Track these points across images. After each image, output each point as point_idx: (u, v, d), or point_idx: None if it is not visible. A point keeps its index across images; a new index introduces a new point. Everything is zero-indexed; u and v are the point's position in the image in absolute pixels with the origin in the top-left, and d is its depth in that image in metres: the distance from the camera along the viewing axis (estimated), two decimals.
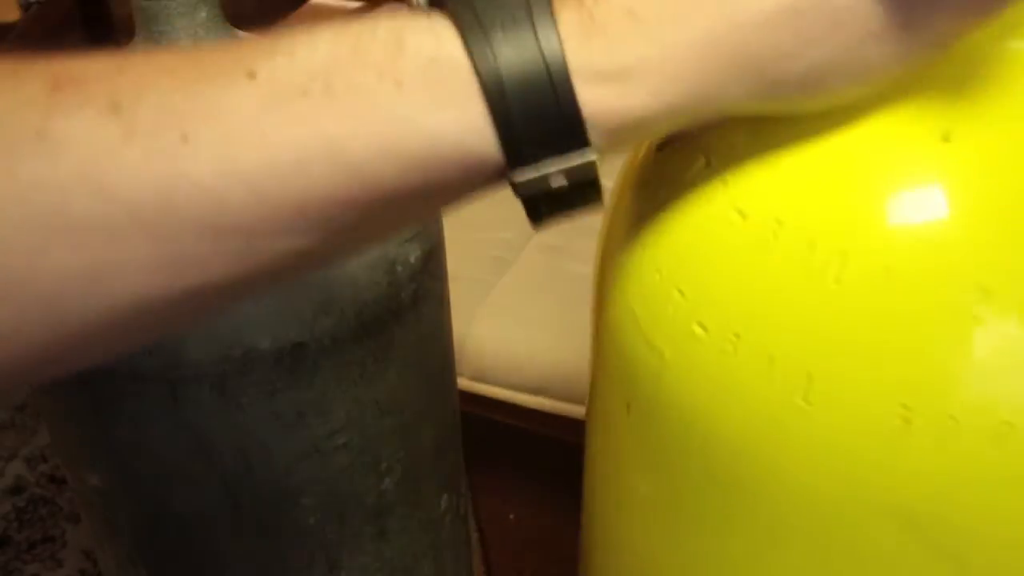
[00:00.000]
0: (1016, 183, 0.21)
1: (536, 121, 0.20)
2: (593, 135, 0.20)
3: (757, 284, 0.23)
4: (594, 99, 0.20)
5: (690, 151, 0.25)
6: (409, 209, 0.23)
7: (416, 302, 0.41)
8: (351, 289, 0.38)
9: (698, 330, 0.24)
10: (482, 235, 0.82)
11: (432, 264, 0.42)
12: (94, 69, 0.21)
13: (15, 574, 0.99)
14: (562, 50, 0.20)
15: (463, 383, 0.72)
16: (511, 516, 0.78)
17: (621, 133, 0.21)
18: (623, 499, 0.31)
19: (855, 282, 0.22)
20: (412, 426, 0.43)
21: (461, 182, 0.21)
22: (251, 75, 0.20)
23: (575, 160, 0.20)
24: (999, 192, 0.21)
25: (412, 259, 0.40)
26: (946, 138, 0.21)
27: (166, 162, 0.20)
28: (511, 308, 0.75)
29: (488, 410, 0.74)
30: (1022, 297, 0.21)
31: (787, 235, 0.22)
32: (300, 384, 0.38)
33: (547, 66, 0.20)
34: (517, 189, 0.21)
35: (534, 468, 0.77)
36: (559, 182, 0.20)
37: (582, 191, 0.21)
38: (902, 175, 0.22)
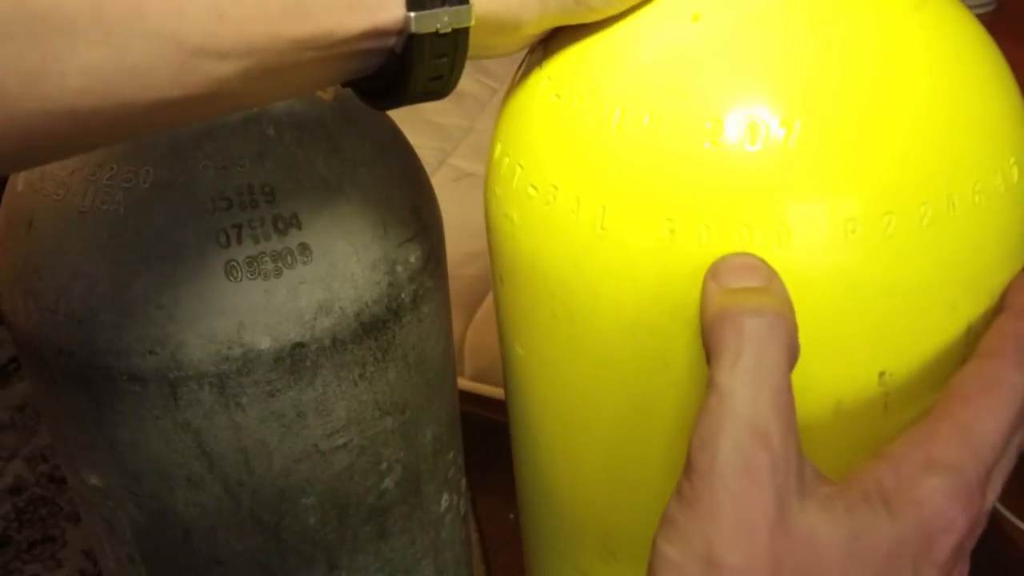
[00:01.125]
0: (747, 49, 0.28)
1: None
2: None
3: (565, 144, 0.30)
4: None
5: (531, 66, 0.33)
6: (319, 54, 0.26)
7: (416, 302, 0.41)
8: (351, 289, 0.38)
9: (531, 191, 0.31)
10: (482, 235, 0.82)
11: (432, 264, 0.42)
12: None
13: (15, 574, 0.99)
14: None
15: (463, 383, 0.72)
16: (511, 516, 0.78)
17: (488, 16, 0.27)
18: (512, 375, 0.37)
19: (628, 128, 0.28)
20: (412, 426, 0.43)
21: (368, 22, 0.25)
22: None
23: (458, 8, 0.26)
24: (737, 59, 0.28)
25: (412, 259, 0.40)
26: (696, 18, 0.28)
27: None
28: None
29: (488, 410, 0.74)
30: (744, 120, 0.27)
31: (585, 104, 0.29)
32: (300, 384, 0.38)
33: None
34: (412, 27, 0.25)
35: None
36: (445, 24, 0.26)
37: (456, 41, 0.27)
38: (658, 48, 0.29)
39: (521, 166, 0.31)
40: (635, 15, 0.30)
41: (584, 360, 0.32)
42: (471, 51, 0.29)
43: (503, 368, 0.38)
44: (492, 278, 0.36)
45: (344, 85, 0.29)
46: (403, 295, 0.40)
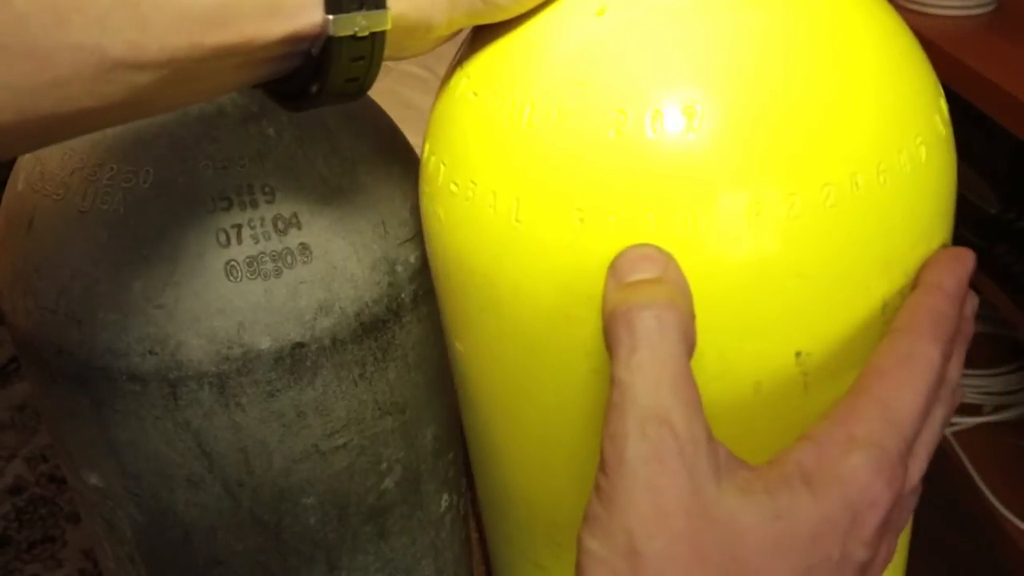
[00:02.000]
0: (649, 40, 0.28)
1: None
2: (388, 2, 0.27)
3: (483, 141, 0.30)
4: None
5: (454, 67, 0.33)
6: (237, 60, 0.26)
7: (416, 302, 0.41)
8: (351, 289, 0.38)
9: (453, 187, 0.31)
10: None
11: None
12: None
13: (15, 574, 0.99)
14: None
15: None
16: None
17: (401, 19, 0.28)
18: (456, 372, 0.37)
19: (539, 123, 0.29)
20: (412, 426, 0.43)
21: (288, 28, 0.26)
22: None
23: (375, 13, 0.27)
24: (640, 50, 0.28)
25: (412, 259, 0.40)
26: (600, 13, 0.29)
27: None
28: None
29: None
30: (646, 110, 0.27)
31: (498, 100, 0.30)
32: (300, 384, 0.38)
33: None
34: (330, 30, 0.26)
35: None
36: (363, 27, 0.26)
37: (373, 44, 0.27)
38: (565, 44, 0.29)
39: (444, 164, 0.32)
40: (545, 12, 0.30)
41: (512, 352, 0.32)
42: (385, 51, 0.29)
43: (451, 365, 0.39)
44: (432, 277, 0.37)
45: (255, 87, 0.29)
46: (403, 295, 0.40)
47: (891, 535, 0.26)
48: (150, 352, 0.36)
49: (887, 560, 0.26)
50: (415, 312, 0.41)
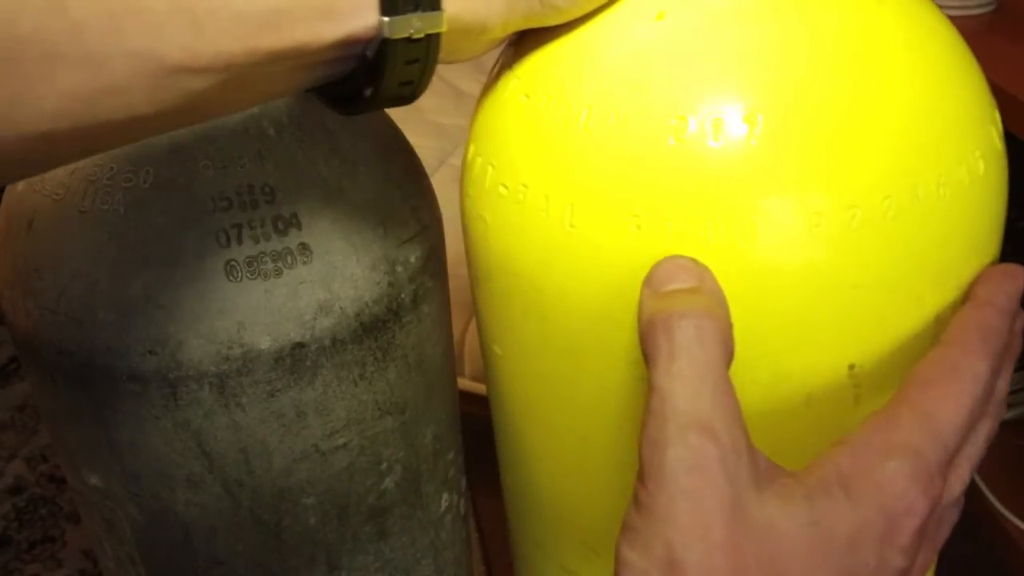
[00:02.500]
0: (711, 46, 0.28)
1: None
2: (444, 3, 0.26)
3: (535, 144, 0.30)
4: None
5: (502, 68, 0.33)
6: (292, 64, 0.26)
7: (416, 302, 0.41)
8: (351, 289, 0.38)
9: (502, 190, 0.31)
10: None
11: (432, 264, 0.42)
12: None
13: (15, 574, 0.99)
14: None
15: (463, 383, 0.72)
16: None
17: (456, 21, 0.27)
18: (492, 375, 0.37)
19: (595, 127, 0.28)
20: (412, 426, 0.43)
21: (342, 31, 0.25)
22: None
23: (430, 15, 0.26)
24: (701, 56, 0.28)
25: (412, 259, 0.40)
26: (660, 17, 0.29)
27: None
28: None
29: (488, 410, 0.74)
30: (707, 117, 0.27)
31: (553, 103, 0.30)
32: (300, 384, 0.38)
33: None
34: (385, 32, 0.25)
35: None
36: (418, 29, 0.26)
37: (428, 46, 0.27)
38: (623, 47, 0.29)
39: (492, 166, 0.32)
40: (601, 15, 0.30)
41: (556, 357, 0.32)
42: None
43: (484, 368, 0.39)
44: (470, 279, 0.36)
45: (308, 91, 0.29)
46: (403, 295, 0.40)
47: (929, 545, 0.26)
48: (150, 352, 0.36)
49: (923, 570, 0.26)
50: (415, 312, 0.41)
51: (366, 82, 0.27)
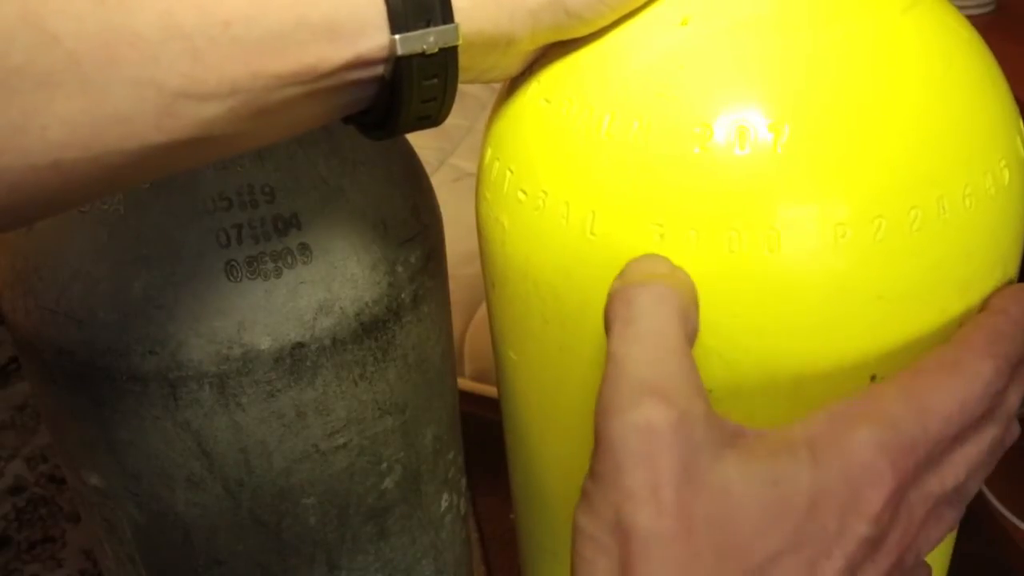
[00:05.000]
0: (736, 53, 0.28)
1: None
2: (457, 16, 0.26)
3: (555, 149, 0.30)
4: None
5: (523, 77, 0.32)
6: (307, 89, 0.25)
7: (416, 302, 0.41)
8: (351, 289, 0.38)
9: (521, 196, 0.31)
10: None
11: (432, 264, 0.42)
12: None
13: (15, 574, 0.99)
14: None
15: (463, 383, 0.72)
16: (511, 516, 0.78)
17: (480, 35, 0.27)
18: (505, 379, 0.37)
19: (618, 134, 0.28)
20: (412, 426, 0.43)
21: (351, 52, 0.25)
22: None
23: (444, 28, 0.26)
24: (726, 63, 0.28)
25: (412, 259, 0.40)
26: (684, 23, 0.28)
27: (111, 12, 0.22)
28: None
29: (488, 410, 0.74)
30: (733, 125, 0.27)
31: (574, 108, 0.29)
32: (300, 384, 0.38)
33: None
34: (398, 49, 0.25)
35: None
36: (431, 44, 0.25)
37: (445, 61, 0.26)
38: (647, 53, 0.29)
39: (511, 171, 0.31)
40: (625, 21, 0.30)
41: (574, 366, 0.31)
42: (468, 74, 0.28)
43: (496, 372, 0.38)
44: (484, 282, 0.36)
45: (345, 122, 0.29)
46: (403, 295, 0.40)
47: (906, 525, 0.25)
48: (150, 352, 0.36)
49: (910, 551, 0.26)
50: (415, 312, 0.41)
51: (389, 104, 0.27)
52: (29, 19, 0.21)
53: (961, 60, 0.29)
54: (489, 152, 0.33)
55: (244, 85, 0.24)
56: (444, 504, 0.47)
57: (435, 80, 0.27)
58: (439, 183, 0.46)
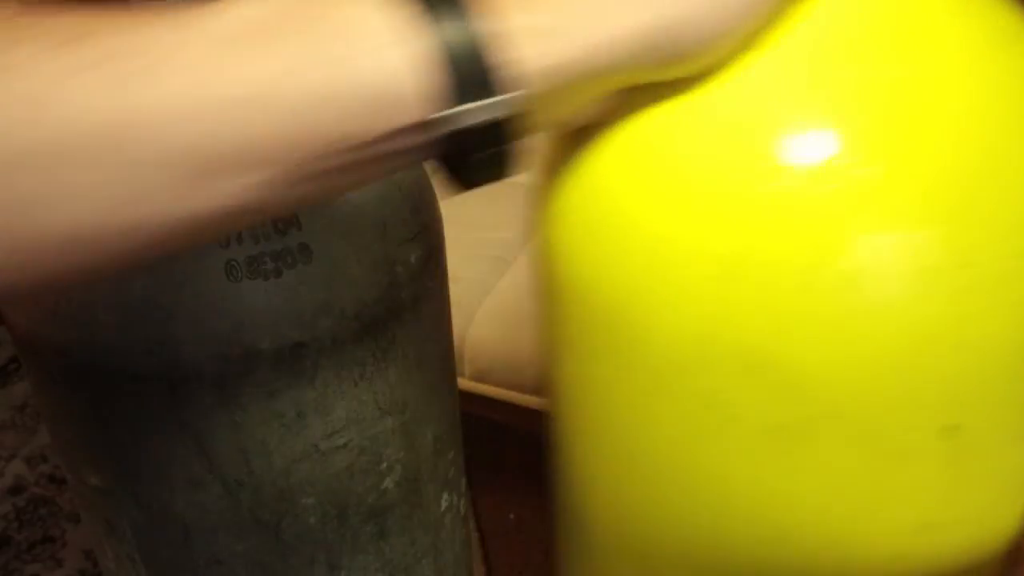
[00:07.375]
0: (823, 83, 0.26)
1: (463, 65, 0.22)
2: (519, 81, 0.23)
3: (629, 171, 0.28)
4: (519, 48, 0.23)
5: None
6: (346, 158, 0.24)
7: (416, 302, 0.41)
8: (351, 289, 0.38)
9: (592, 216, 0.30)
10: (482, 235, 0.82)
11: (432, 264, 0.42)
12: (54, 18, 0.21)
13: (15, 574, 0.99)
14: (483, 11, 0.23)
15: (463, 383, 0.73)
16: (511, 516, 0.78)
17: (544, 80, 0.24)
18: (560, 396, 0.36)
19: (697, 160, 0.27)
20: (412, 426, 0.43)
21: (392, 125, 0.23)
22: (202, 20, 0.22)
23: (506, 98, 0.23)
24: (812, 93, 0.26)
25: (412, 259, 0.40)
26: (768, 52, 0.27)
27: (118, 93, 0.21)
28: (511, 308, 0.76)
29: (488, 410, 0.74)
30: (818, 157, 0.25)
31: (650, 131, 0.28)
32: (300, 384, 0.38)
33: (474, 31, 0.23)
34: (450, 124, 0.23)
35: (534, 468, 0.77)
36: (492, 116, 0.23)
37: (512, 128, 0.24)
38: (725, 78, 0.27)
39: (576, 188, 0.30)
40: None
41: (635, 390, 0.31)
42: (539, 128, 0.26)
43: (549, 387, 0.37)
44: (540, 296, 0.35)
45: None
46: (403, 295, 0.40)
47: None
48: (150, 352, 0.36)
49: None
50: (415, 312, 0.41)
51: (454, 161, 0.25)
52: (34, 101, 0.20)
53: None
54: (555, 168, 0.32)
55: (278, 158, 0.22)
56: (444, 504, 0.47)
57: (499, 147, 0.24)
58: (439, 183, 0.46)
